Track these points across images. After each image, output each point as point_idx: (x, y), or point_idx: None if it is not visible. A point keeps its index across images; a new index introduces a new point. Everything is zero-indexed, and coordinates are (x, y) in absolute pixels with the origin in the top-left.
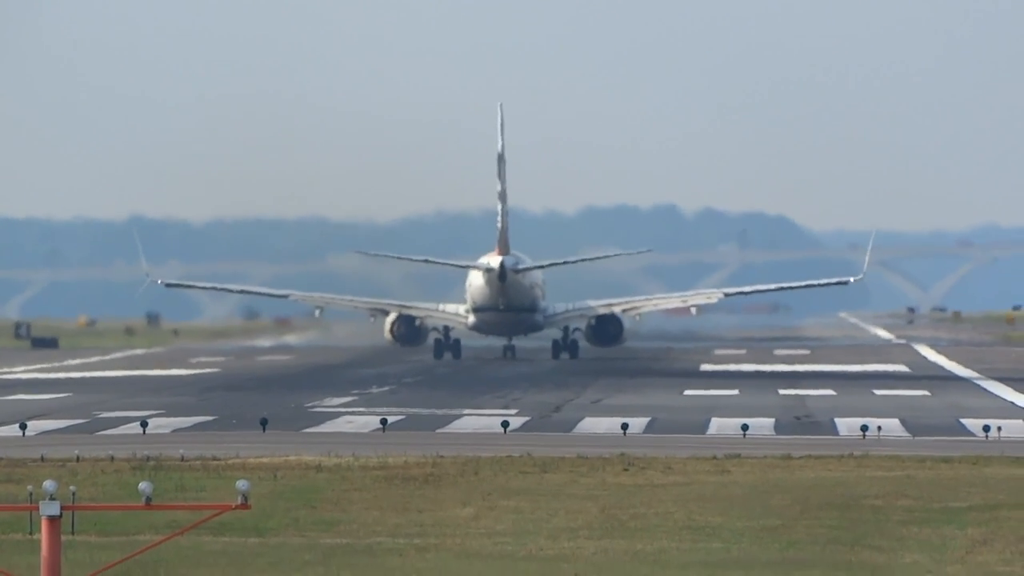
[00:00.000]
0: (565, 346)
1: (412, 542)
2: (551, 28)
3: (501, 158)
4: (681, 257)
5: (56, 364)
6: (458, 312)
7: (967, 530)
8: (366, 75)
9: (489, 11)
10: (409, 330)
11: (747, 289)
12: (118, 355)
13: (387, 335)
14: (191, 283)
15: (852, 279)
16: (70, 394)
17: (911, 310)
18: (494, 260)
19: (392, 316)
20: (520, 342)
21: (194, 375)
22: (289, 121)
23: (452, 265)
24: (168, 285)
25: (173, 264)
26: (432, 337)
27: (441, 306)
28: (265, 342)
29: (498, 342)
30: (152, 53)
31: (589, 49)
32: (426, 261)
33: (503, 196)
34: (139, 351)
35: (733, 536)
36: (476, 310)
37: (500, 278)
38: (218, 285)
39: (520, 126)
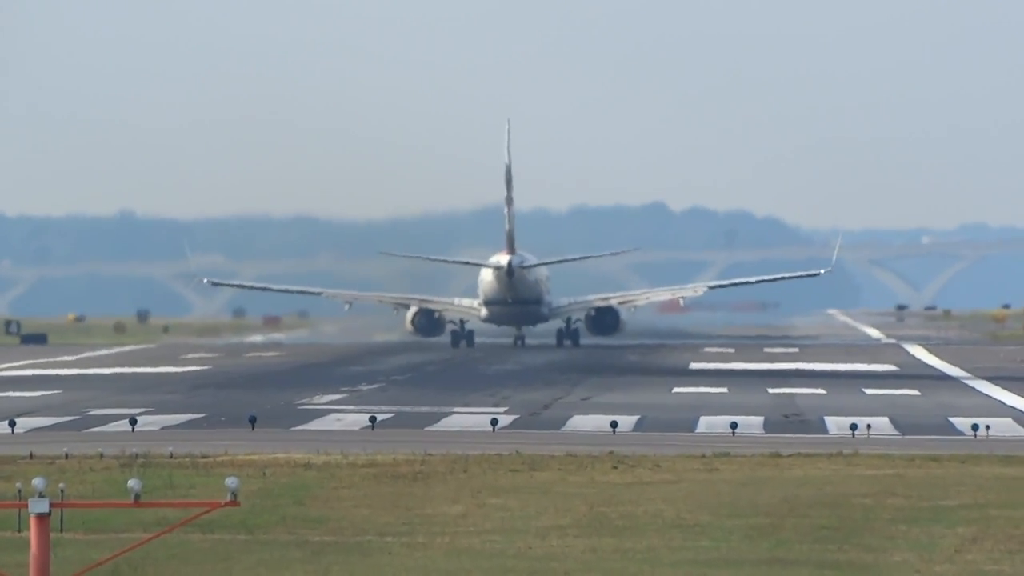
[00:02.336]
0: (568, 335)
1: (401, 540)
2: (541, 29)
3: (508, 168)
4: (670, 255)
5: (45, 361)
6: (472, 306)
7: (956, 529)
8: (354, 75)
9: (478, 11)
10: (428, 322)
11: (726, 283)
12: (107, 352)
13: (408, 326)
14: (235, 283)
15: (822, 271)
16: (59, 391)
17: (901, 308)
18: (503, 259)
19: (413, 309)
20: (529, 331)
21: (184, 372)
22: (278, 120)
23: (465, 263)
24: (214, 284)
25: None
26: (449, 328)
27: (457, 300)
28: (256, 338)
29: (510, 332)
30: (142, 52)
31: (578, 50)
32: (444, 261)
33: (509, 201)
34: (129, 348)
35: (722, 534)
36: (487, 303)
37: (508, 275)
38: (258, 284)
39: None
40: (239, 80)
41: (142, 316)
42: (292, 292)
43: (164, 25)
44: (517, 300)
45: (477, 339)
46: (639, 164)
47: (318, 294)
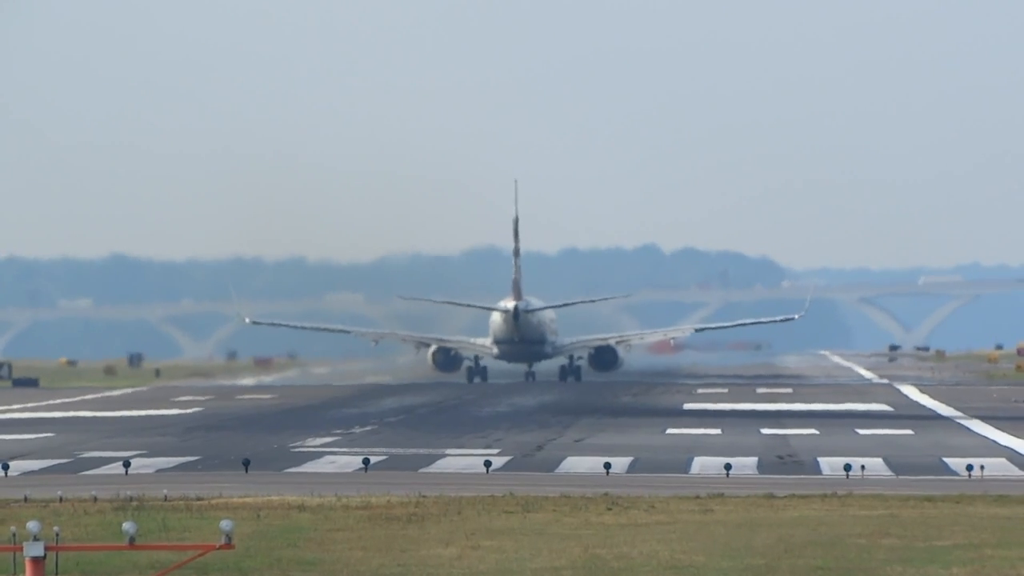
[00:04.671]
0: (571, 371)
1: None
2: (530, 70)
3: (516, 222)
4: (662, 296)
5: (38, 404)
6: (485, 344)
7: (951, 569)
8: (345, 118)
9: (468, 54)
10: (446, 359)
11: (713, 325)
12: (100, 395)
13: (429, 362)
14: (274, 322)
15: (796, 316)
16: (52, 434)
17: (894, 349)
18: (510, 303)
19: (433, 347)
20: (538, 367)
21: (177, 415)
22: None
23: (478, 307)
24: (254, 323)
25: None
26: (465, 364)
27: (472, 339)
28: (248, 381)
29: (520, 367)
30: (133, 94)
31: (568, 94)
32: (458, 304)
33: (517, 252)
34: (120, 391)
35: (717, 575)
36: (497, 343)
37: (515, 317)
38: (293, 323)
39: (502, 168)
40: (230, 122)
41: (134, 360)
42: (322, 330)
43: (156, 68)
44: (523, 340)
45: (491, 376)
46: (629, 206)
47: (347, 332)
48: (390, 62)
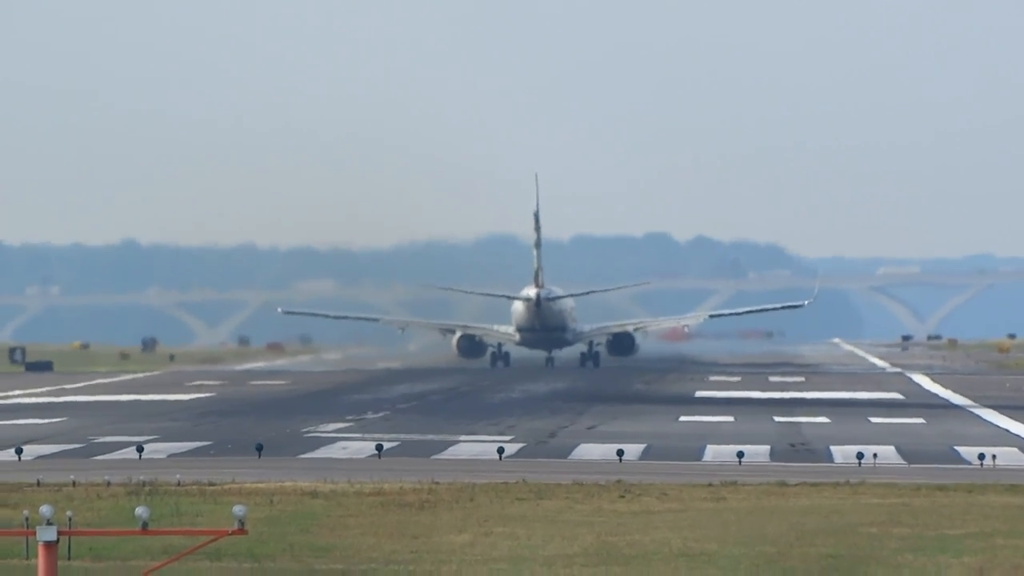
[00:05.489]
0: (590, 356)
1: (408, 568)
2: (542, 59)
3: (536, 215)
4: (674, 284)
5: (51, 388)
6: (508, 331)
7: (962, 558)
8: (356, 104)
9: (478, 40)
10: (471, 345)
11: (727, 312)
12: (113, 380)
13: (454, 349)
14: (304, 311)
15: (805, 302)
16: (66, 419)
17: (906, 338)
18: (532, 292)
19: (458, 334)
20: (558, 353)
21: (189, 400)
22: (282, 149)
23: (501, 296)
24: (287, 313)
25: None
26: (489, 351)
27: (495, 326)
28: (259, 364)
29: (542, 354)
30: (144, 81)
31: (581, 83)
32: (482, 294)
33: (538, 244)
34: (134, 376)
35: (729, 563)
36: (519, 330)
37: (536, 306)
38: (325, 312)
39: (515, 156)
40: (242, 108)
41: (147, 344)
42: (355, 319)
43: (167, 54)
44: (544, 327)
45: (513, 362)
46: (642, 194)
47: (376, 320)
48: (404, 49)
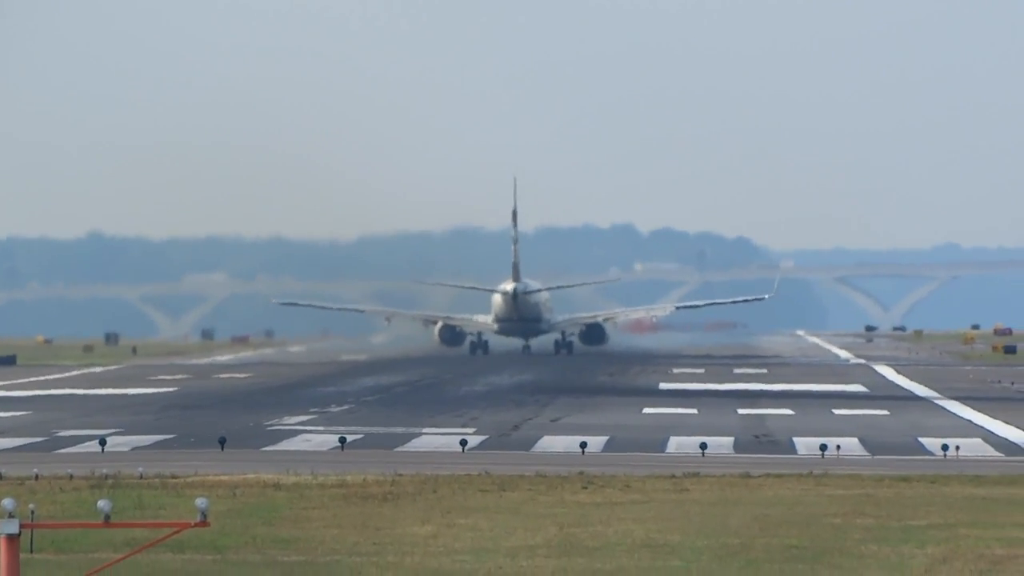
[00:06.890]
0: (563, 345)
1: (371, 560)
2: (507, 50)
3: (515, 213)
4: (640, 276)
5: (14, 382)
6: (487, 322)
7: (926, 548)
8: (327, 97)
9: (448, 39)
10: (451, 335)
11: (697, 303)
12: (76, 373)
13: (435, 338)
14: (298, 302)
15: (767, 296)
16: (28, 412)
17: (870, 329)
18: (509, 286)
19: (439, 324)
20: (534, 342)
21: (153, 393)
22: (248, 141)
23: (482, 289)
24: (282, 304)
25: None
26: (468, 340)
27: (475, 316)
28: (225, 358)
29: (519, 342)
30: (113, 73)
31: (549, 77)
32: (462, 287)
33: (515, 240)
34: (97, 369)
35: (692, 554)
36: (498, 320)
37: (514, 298)
38: (316, 303)
39: (482, 150)
40: (210, 101)
41: (111, 338)
42: (342, 310)
43: (136, 47)
44: (521, 318)
45: (492, 350)
46: (606, 186)
47: (361, 311)
48: (377, 43)
